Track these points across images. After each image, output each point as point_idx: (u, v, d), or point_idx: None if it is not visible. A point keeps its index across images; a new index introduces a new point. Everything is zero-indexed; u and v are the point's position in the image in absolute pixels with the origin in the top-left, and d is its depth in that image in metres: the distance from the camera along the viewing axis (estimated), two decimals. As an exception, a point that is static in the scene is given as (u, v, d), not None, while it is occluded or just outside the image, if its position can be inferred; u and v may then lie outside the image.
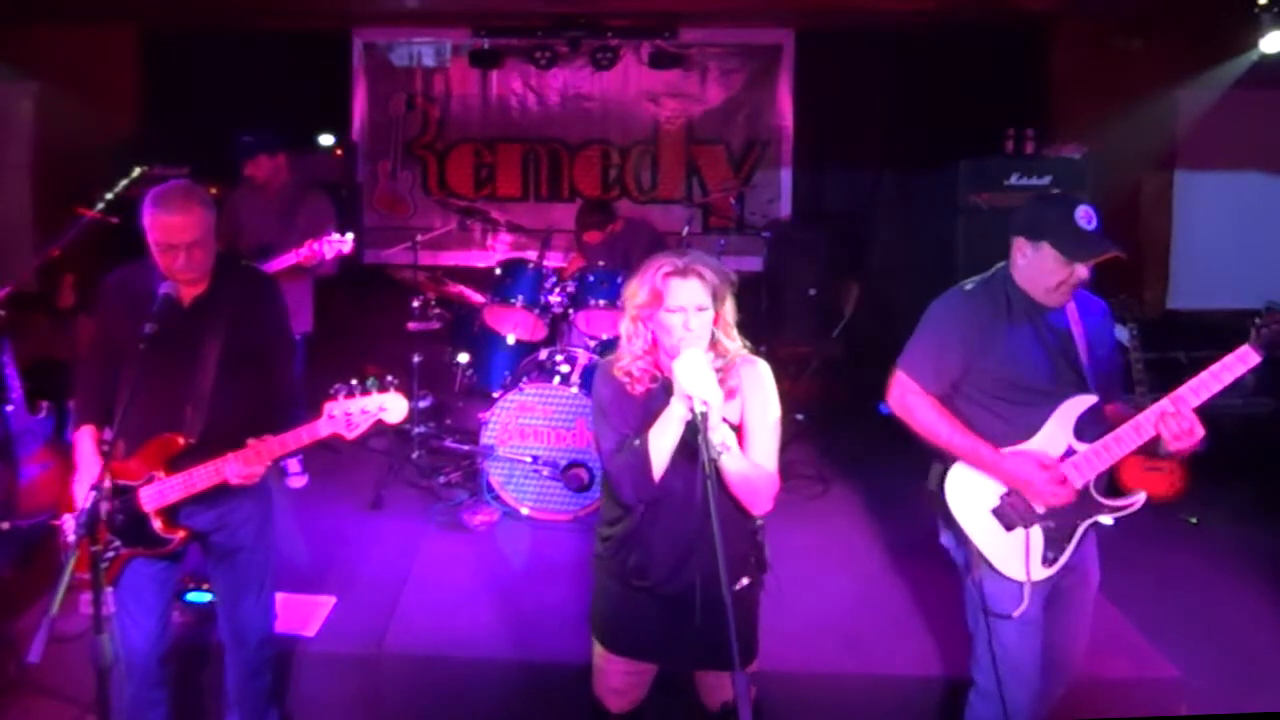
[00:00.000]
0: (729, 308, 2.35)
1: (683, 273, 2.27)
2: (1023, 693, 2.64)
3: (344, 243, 4.36)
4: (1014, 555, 2.61)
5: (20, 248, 6.75)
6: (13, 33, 6.75)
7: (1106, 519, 2.63)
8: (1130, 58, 6.77)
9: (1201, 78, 6.44)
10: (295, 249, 4.34)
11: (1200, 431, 2.43)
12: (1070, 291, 2.59)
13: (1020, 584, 2.60)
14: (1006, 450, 2.59)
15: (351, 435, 2.65)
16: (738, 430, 2.33)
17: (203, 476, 2.64)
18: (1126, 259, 2.49)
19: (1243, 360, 2.40)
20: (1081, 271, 2.53)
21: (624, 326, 2.39)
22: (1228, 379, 2.42)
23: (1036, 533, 2.61)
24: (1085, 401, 2.57)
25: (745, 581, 2.44)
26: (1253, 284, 6.23)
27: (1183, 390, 2.45)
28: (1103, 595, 3.34)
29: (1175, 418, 2.43)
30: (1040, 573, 2.61)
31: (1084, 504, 2.59)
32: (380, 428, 2.69)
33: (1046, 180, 5.56)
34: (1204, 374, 2.44)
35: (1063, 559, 2.61)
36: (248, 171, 4.80)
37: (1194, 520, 4.72)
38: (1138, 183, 7.07)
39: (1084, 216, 2.51)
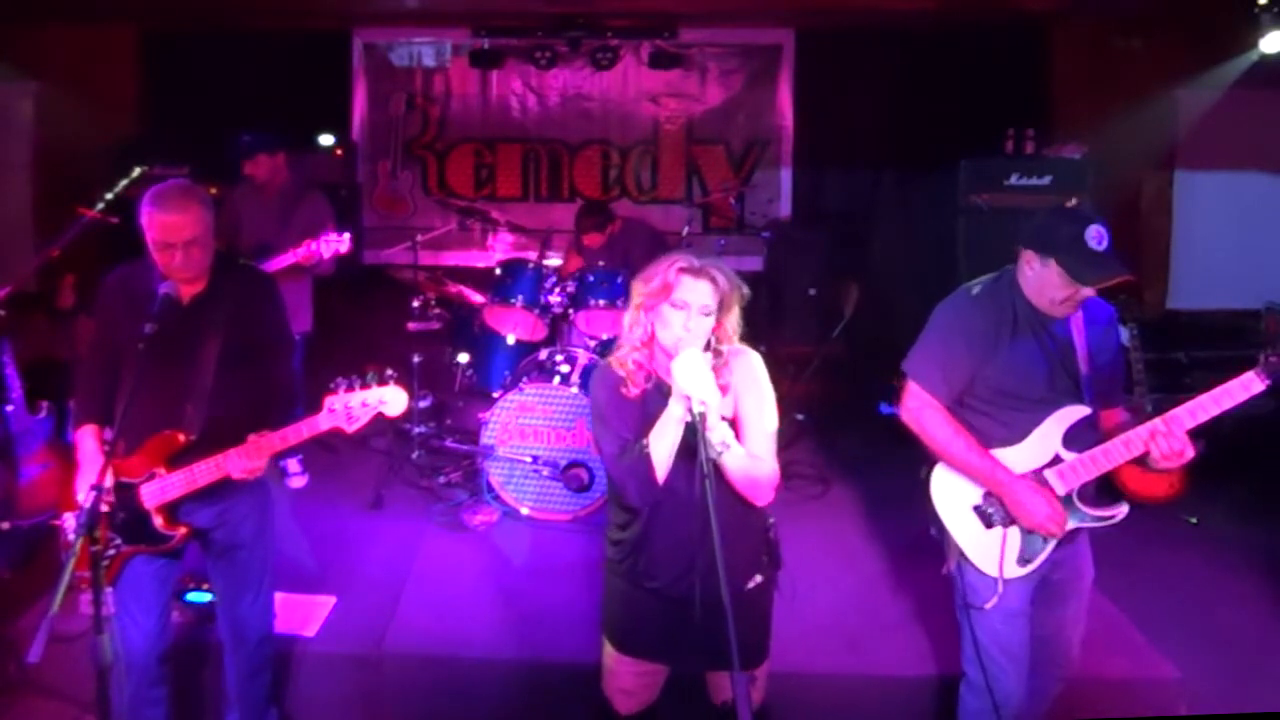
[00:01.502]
0: (734, 319, 2.32)
1: (696, 272, 2.26)
2: (1010, 683, 2.65)
3: (341, 242, 4.36)
4: (990, 552, 2.63)
5: (20, 248, 6.74)
6: (13, 33, 6.74)
7: (1087, 525, 2.64)
8: (1130, 58, 6.77)
9: (1201, 78, 6.43)
10: (293, 249, 4.34)
11: (1189, 454, 2.42)
12: (1076, 306, 2.58)
13: (994, 579, 2.62)
14: (1021, 478, 2.58)
15: (352, 429, 2.65)
16: (733, 424, 2.32)
17: (204, 472, 2.65)
18: (1136, 280, 2.48)
19: (1246, 387, 2.37)
20: (1087, 290, 2.51)
21: (628, 316, 2.37)
22: (1228, 404, 2.39)
23: (1015, 533, 2.62)
24: (1078, 412, 2.57)
25: (758, 579, 2.44)
26: (1253, 284, 6.26)
27: (1179, 411, 2.43)
28: (1102, 594, 3.35)
29: (1166, 438, 2.42)
30: (1014, 571, 2.62)
31: (1065, 511, 2.60)
32: (380, 426, 2.69)
33: (1047, 180, 5.55)
34: (1203, 397, 2.41)
35: (1037, 561, 2.62)
36: (247, 171, 4.79)
37: (1194, 520, 4.71)
38: (1138, 183, 7.07)
39: (1095, 237, 2.47)
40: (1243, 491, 4.96)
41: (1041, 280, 2.56)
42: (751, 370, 2.37)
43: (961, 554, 2.66)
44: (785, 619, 2.60)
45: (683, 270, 2.26)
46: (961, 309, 2.69)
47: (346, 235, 4.41)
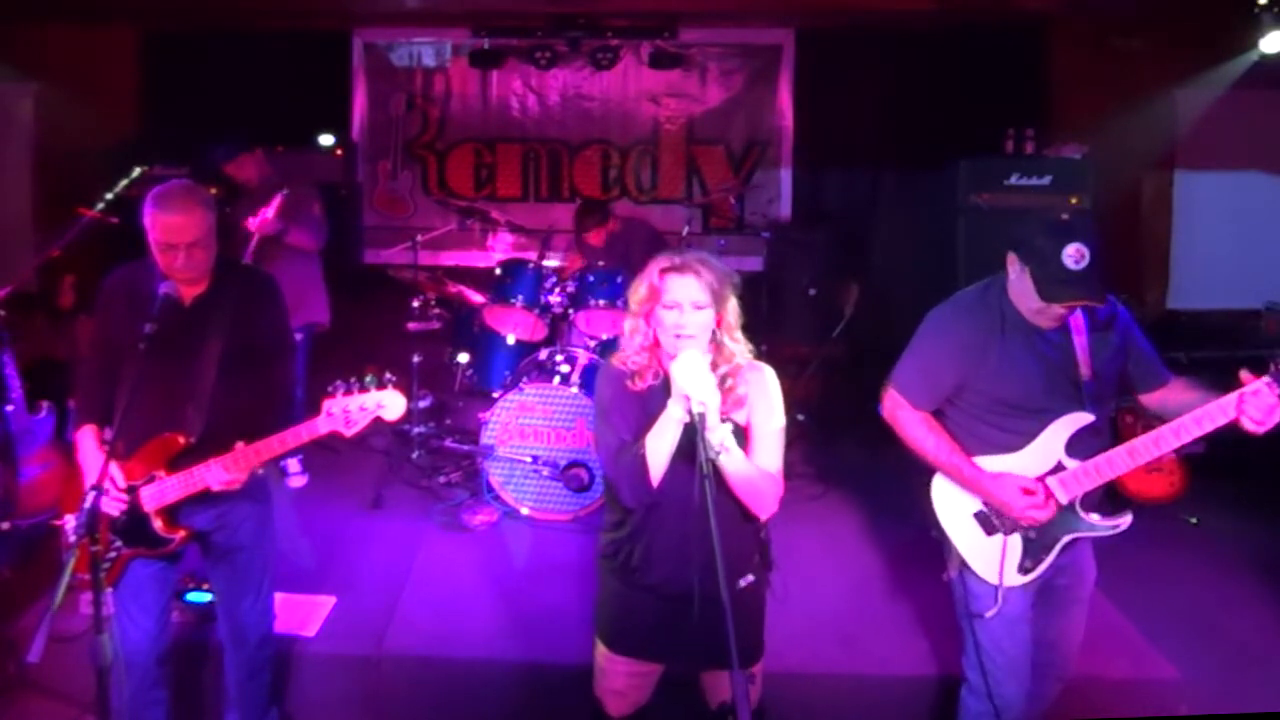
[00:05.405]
0: (731, 309, 2.34)
1: (679, 269, 2.29)
2: (1012, 687, 2.64)
3: (270, 207, 4.36)
4: (991, 559, 2.62)
5: (20, 248, 6.74)
6: (13, 33, 6.74)
7: (1091, 535, 2.63)
8: (1130, 58, 6.76)
9: (1201, 78, 6.44)
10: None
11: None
12: (1055, 320, 2.52)
13: (994, 587, 2.61)
14: (989, 470, 2.58)
15: (350, 432, 2.64)
16: (744, 435, 2.33)
17: (195, 479, 2.64)
18: (1120, 265, 2.47)
19: (1256, 396, 2.28)
20: (1058, 309, 2.46)
21: (627, 324, 2.39)
22: (1233, 415, 2.32)
23: (1016, 540, 2.61)
24: (1080, 420, 2.53)
25: (750, 579, 2.44)
26: (1253, 284, 6.27)
27: (1186, 420, 2.37)
28: (1103, 595, 3.35)
29: (1255, 398, 2.27)
30: (1015, 579, 2.61)
31: (1068, 519, 2.58)
32: (380, 426, 2.69)
33: (1046, 180, 5.55)
34: (1210, 405, 2.35)
35: (1039, 569, 2.61)
36: (237, 179, 4.79)
37: (1194, 520, 4.71)
38: (1138, 183, 7.06)
39: (1073, 255, 2.38)
40: (1243, 491, 4.95)
41: (1019, 286, 2.52)
42: (765, 385, 2.39)
43: (962, 561, 2.66)
44: (783, 619, 2.61)
45: (666, 270, 2.30)
46: (947, 318, 2.68)
47: (276, 200, 4.39)
